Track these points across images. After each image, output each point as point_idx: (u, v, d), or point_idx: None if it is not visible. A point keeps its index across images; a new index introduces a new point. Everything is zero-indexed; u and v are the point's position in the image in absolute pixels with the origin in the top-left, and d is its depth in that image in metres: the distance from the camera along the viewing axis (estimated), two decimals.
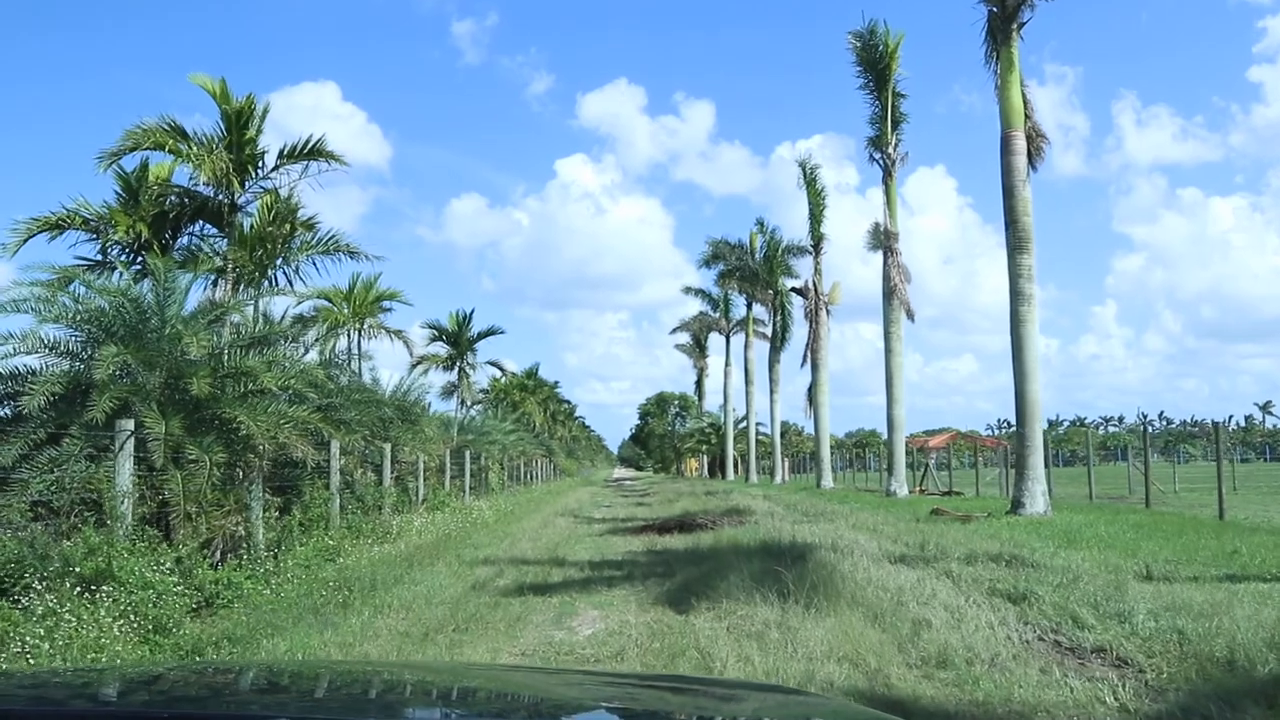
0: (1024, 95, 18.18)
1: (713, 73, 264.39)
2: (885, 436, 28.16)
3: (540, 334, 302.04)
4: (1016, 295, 17.39)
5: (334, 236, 13.63)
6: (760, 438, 63.15)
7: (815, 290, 34.61)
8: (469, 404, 30.81)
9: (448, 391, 30.19)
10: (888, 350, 26.18)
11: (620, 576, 11.90)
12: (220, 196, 12.09)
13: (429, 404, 20.32)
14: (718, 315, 59.51)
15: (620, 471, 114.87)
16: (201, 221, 12.72)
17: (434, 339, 29.36)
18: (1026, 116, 18.09)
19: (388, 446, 16.24)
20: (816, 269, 35.01)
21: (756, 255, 44.57)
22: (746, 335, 51.13)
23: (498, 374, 40.43)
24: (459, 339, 29.34)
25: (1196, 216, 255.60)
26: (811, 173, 34.97)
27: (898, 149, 26.76)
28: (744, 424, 63.59)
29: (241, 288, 12.63)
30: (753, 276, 44.74)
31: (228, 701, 1.97)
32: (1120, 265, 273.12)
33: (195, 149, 11.37)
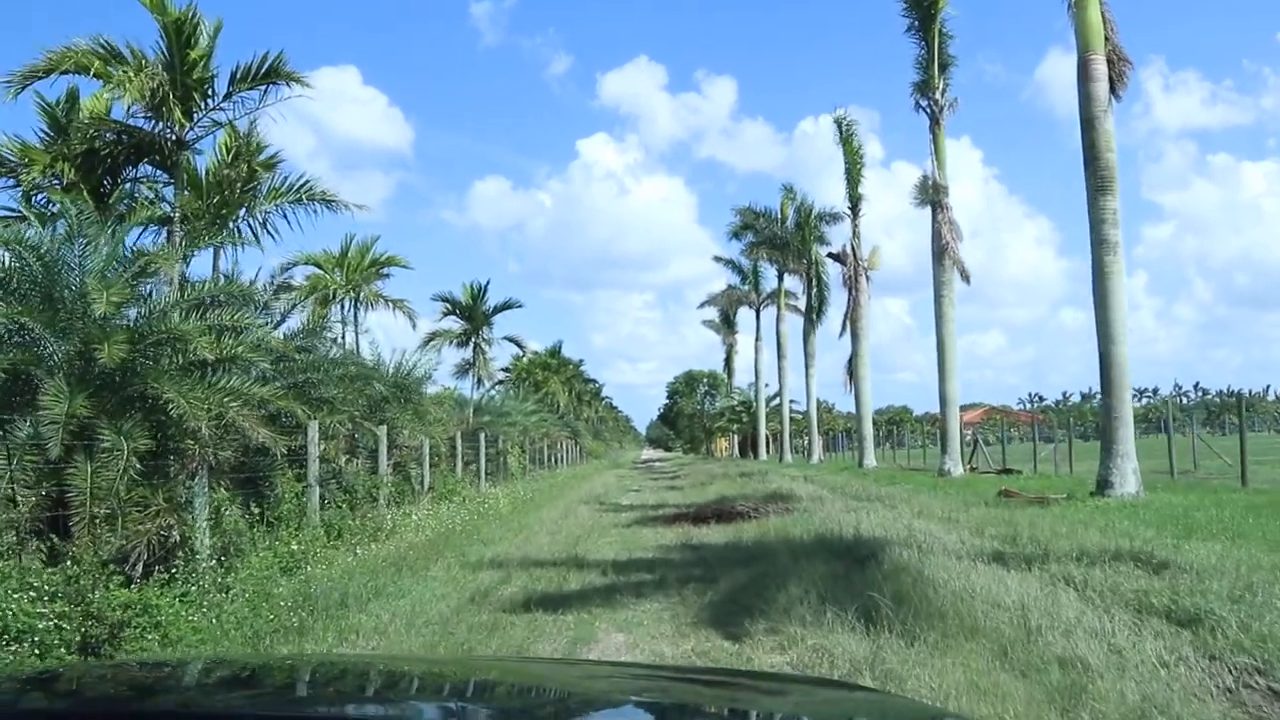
0: (1103, 13, 15.77)
1: (734, 49, 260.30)
2: (938, 411, 25.89)
3: (567, 315, 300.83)
4: (1100, 243, 15.05)
5: (307, 183, 11.59)
6: (793, 415, 60.85)
7: (854, 255, 32.23)
8: (486, 383, 28.81)
9: (462, 370, 28.26)
10: (939, 316, 23.84)
11: (651, 583, 9.82)
12: (165, 131, 10.07)
13: (435, 381, 18.35)
14: (747, 289, 57.13)
15: (649, 453, 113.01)
16: (146, 165, 10.72)
17: (446, 313, 27.45)
18: (1106, 38, 15.68)
19: (383, 429, 14.24)
20: (855, 232, 32.63)
21: (788, 223, 42.19)
22: (778, 308, 48.76)
23: (518, 352, 38.43)
24: (473, 313, 27.31)
25: (1227, 182, 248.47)
26: (848, 129, 32.53)
27: (945, 94, 24.30)
28: (776, 401, 61.34)
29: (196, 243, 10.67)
30: (784, 245, 42.38)
31: (258, 698, 1.93)
32: (1150, 234, 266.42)
33: (125, 71, 9.34)
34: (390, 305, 21.40)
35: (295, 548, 9.16)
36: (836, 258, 33.04)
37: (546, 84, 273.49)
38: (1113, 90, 15.53)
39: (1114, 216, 15.05)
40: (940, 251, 23.38)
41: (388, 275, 21.25)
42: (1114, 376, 14.73)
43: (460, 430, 20.55)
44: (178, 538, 8.01)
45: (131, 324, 8.18)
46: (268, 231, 11.54)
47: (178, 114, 9.70)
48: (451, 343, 27.84)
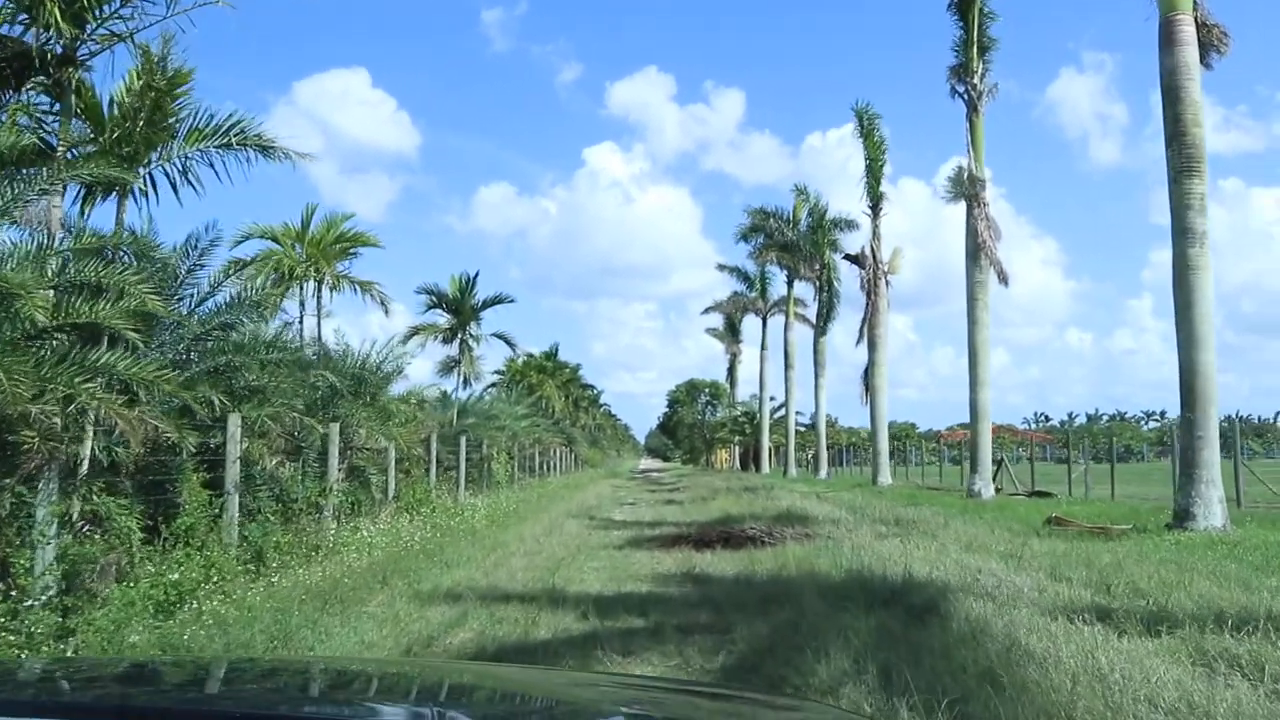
0: None
1: (743, 61, 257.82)
2: (969, 425, 23.65)
3: (569, 323, 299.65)
4: (1183, 233, 12.86)
5: (237, 123, 9.33)
6: (797, 428, 58.60)
7: (874, 257, 30.01)
8: (473, 382, 26.56)
9: (447, 367, 26.02)
10: (972, 321, 21.61)
11: (643, 631, 7.61)
12: (51, 43, 7.94)
13: (406, 376, 16.11)
14: (754, 295, 54.95)
15: (647, 462, 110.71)
16: (31, 91, 8.55)
17: (430, 306, 25.21)
18: (1194, 3, 13.53)
19: (335, 428, 12.03)
20: (875, 233, 30.37)
21: (800, 225, 40.04)
22: (787, 315, 46.56)
23: (511, 353, 36.11)
24: (461, 307, 25.11)
25: (1238, 208, 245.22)
26: (869, 122, 30.29)
27: (985, 79, 22.13)
28: (780, 413, 59.15)
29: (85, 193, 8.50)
30: (795, 248, 40.24)
31: (248, 698, 1.90)
32: (1157, 258, 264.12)
33: None
34: (358, 288, 19.18)
35: (176, 577, 6.91)
36: (855, 260, 30.81)
37: (555, 91, 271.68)
38: (1203, 58, 13.36)
39: (1200, 202, 12.86)
40: (975, 250, 21.16)
41: (355, 254, 19.04)
42: (1199, 388, 12.50)
43: (434, 433, 18.30)
44: None
45: None
46: (189, 182, 9.38)
47: (58, 18, 7.56)
48: (437, 338, 25.65)
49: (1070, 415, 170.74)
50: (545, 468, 37.67)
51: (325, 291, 18.13)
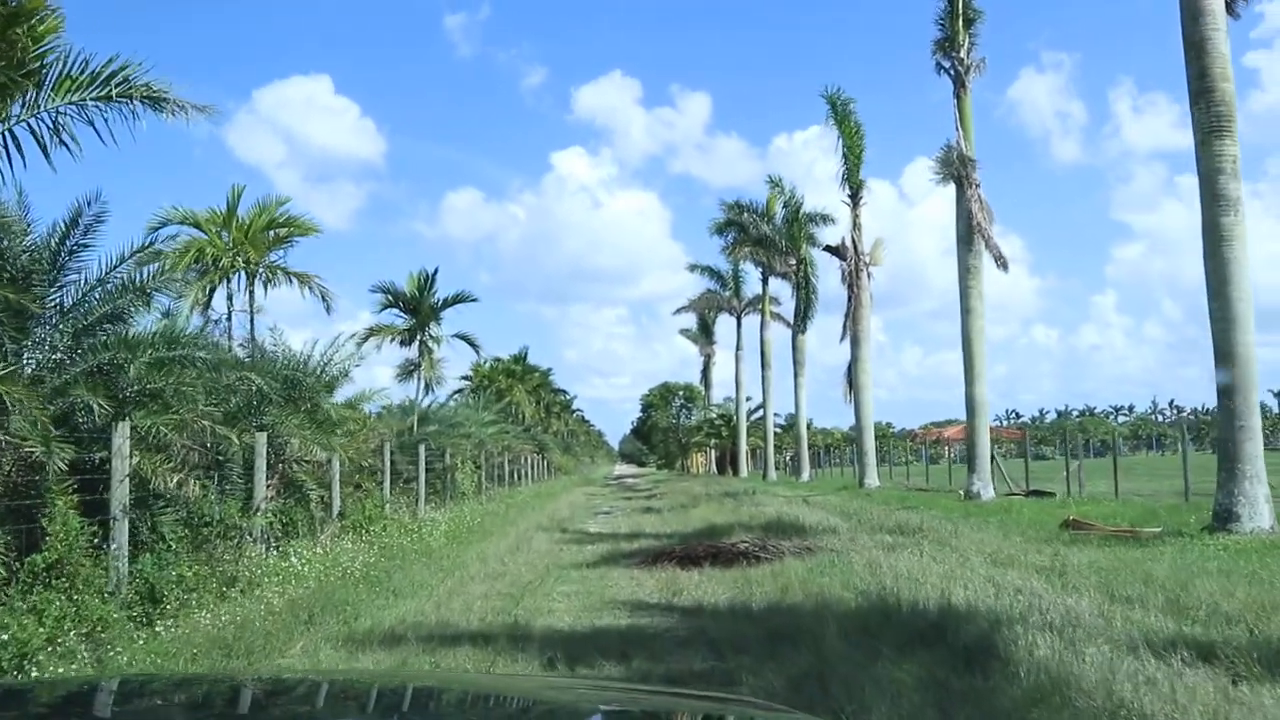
0: None
1: (708, 65, 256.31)
2: (966, 421, 22.31)
3: (540, 329, 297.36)
4: (1215, 200, 11.53)
5: (121, 69, 7.65)
6: (774, 429, 57.21)
7: (855, 248, 28.65)
8: (435, 387, 24.83)
9: (407, 371, 24.29)
10: (966, 311, 20.22)
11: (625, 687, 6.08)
12: None
13: (351, 379, 14.38)
14: (728, 294, 53.53)
15: (621, 468, 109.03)
16: None
17: (386, 305, 23.38)
18: None
19: (261, 437, 10.37)
20: (855, 224, 29.00)
21: (775, 219, 38.65)
22: (763, 313, 45.14)
23: (477, 358, 34.28)
24: (419, 306, 23.34)
25: (1194, 203, 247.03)
26: (844, 107, 28.84)
27: (971, 53, 20.81)
28: (757, 414, 57.80)
29: None
30: (770, 243, 38.82)
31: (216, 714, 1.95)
32: (1120, 254, 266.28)
33: None
34: (294, 280, 17.27)
35: (6, 637, 5.27)
36: (835, 251, 29.41)
37: (521, 96, 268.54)
38: (1230, 7, 12.06)
39: (1233, 165, 11.54)
40: (969, 234, 19.78)
41: (291, 243, 17.15)
42: (1240, 375, 11.16)
43: (388, 442, 16.61)
44: None
45: None
46: (62, 142, 7.71)
47: None
48: (393, 340, 23.91)
49: (1041, 411, 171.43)
50: (516, 476, 36.00)
51: (260, 286, 16.38)
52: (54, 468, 6.99)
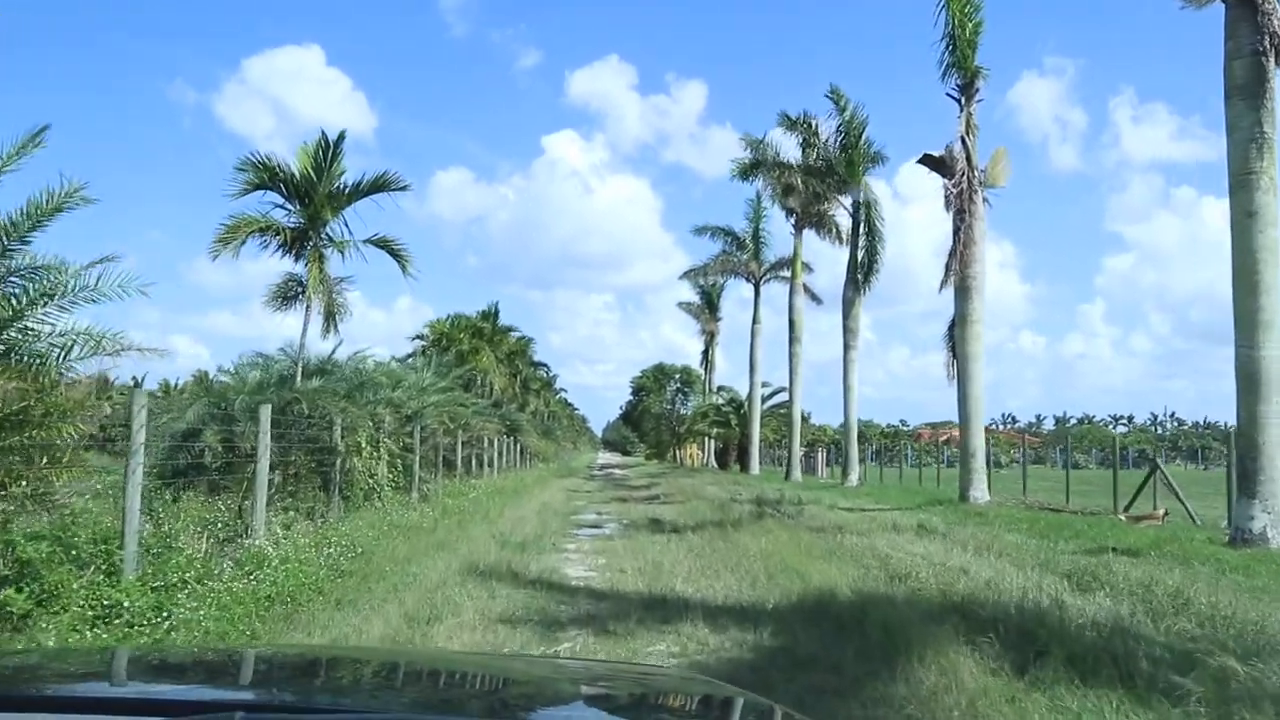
0: None
1: (705, 53, 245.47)
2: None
3: (527, 313, 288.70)
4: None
5: None
6: (779, 412, 48.76)
7: (967, 158, 19.88)
8: (337, 319, 15.68)
9: (285, 296, 15.29)
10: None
11: None
12: None
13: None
14: (745, 257, 44.79)
15: (605, 456, 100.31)
16: None
17: (255, 187, 14.28)
18: None
19: None
20: (969, 125, 20.10)
21: (828, 143, 29.86)
22: (793, 274, 36.38)
23: (433, 318, 25.23)
24: (311, 191, 14.52)
25: (1190, 216, 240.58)
26: None
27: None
28: (777, 397, 49.20)
29: None
30: (819, 175, 30.11)
31: (195, 684, 1.90)
32: (1111, 264, 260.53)
33: None
34: None
35: None
36: (935, 164, 20.47)
37: (514, 78, 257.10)
38: None
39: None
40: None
41: None
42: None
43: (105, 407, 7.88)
44: None
45: None
46: None
47: None
48: (277, 247, 15.04)
49: (1038, 417, 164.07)
50: (475, 463, 27.17)
51: None
52: None
